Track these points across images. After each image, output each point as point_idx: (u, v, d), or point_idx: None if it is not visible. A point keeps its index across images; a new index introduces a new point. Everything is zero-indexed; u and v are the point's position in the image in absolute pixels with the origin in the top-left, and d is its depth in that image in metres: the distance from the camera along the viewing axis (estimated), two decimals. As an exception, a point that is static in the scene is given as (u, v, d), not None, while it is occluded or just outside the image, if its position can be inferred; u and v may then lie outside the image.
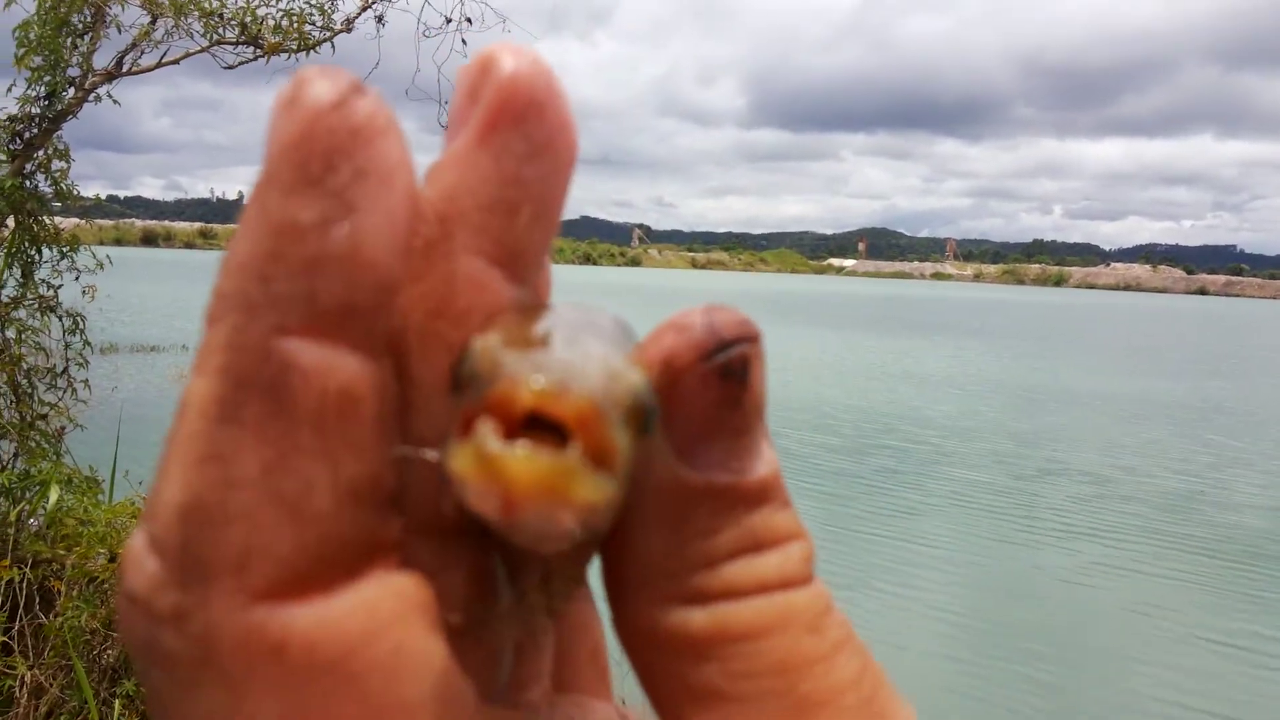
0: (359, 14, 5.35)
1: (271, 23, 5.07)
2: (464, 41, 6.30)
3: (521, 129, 0.28)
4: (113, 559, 4.20)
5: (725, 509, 0.29)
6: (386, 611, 0.25)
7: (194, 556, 0.24)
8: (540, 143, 0.28)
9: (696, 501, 0.29)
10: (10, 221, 5.01)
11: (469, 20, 6.35)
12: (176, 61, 5.06)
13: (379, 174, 0.25)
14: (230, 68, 5.14)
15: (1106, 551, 10.71)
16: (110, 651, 4.08)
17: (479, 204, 0.28)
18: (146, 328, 30.86)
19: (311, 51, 5.18)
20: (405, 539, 0.27)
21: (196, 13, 4.92)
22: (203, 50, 5.05)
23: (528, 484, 0.24)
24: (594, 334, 0.28)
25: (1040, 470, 14.63)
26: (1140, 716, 6.89)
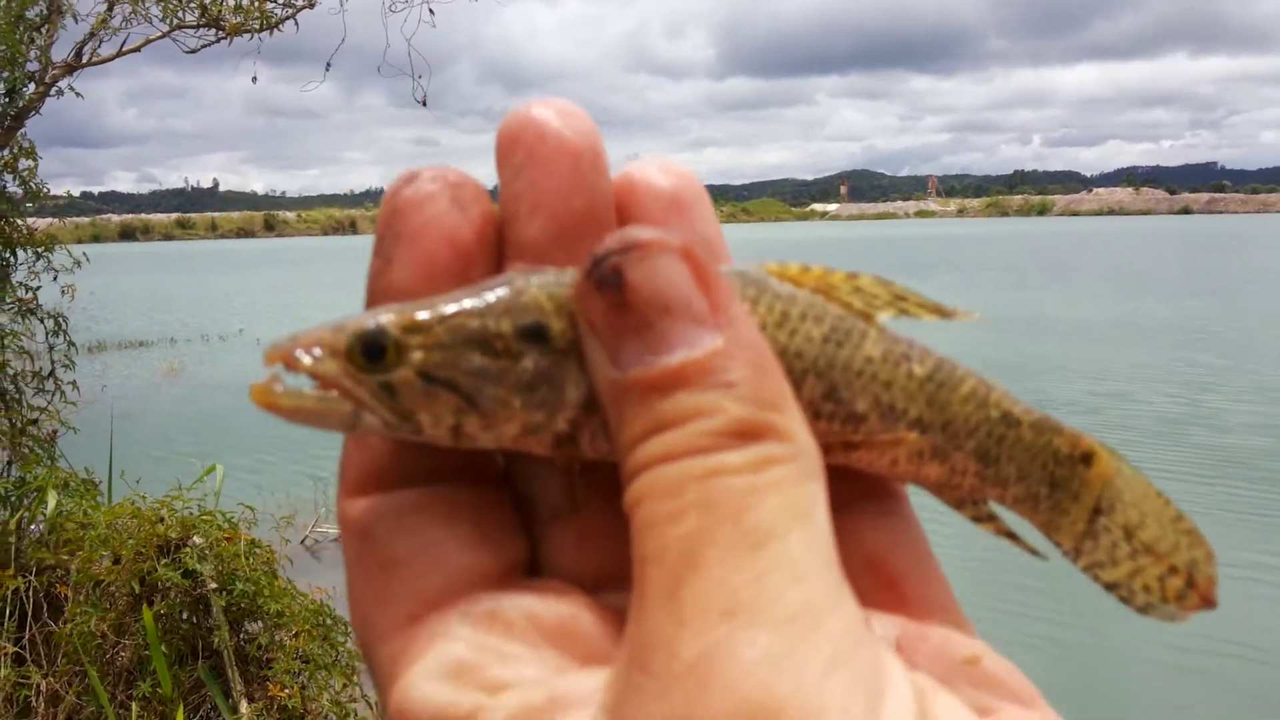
0: (321, -13, 5.21)
1: (232, 3, 4.95)
2: (431, 11, 6.17)
3: (506, 160, 0.42)
4: (117, 560, 4.15)
5: (639, 398, 0.35)
6: None
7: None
8: (520, 162, 0.42)
9: (621, 396, 0.36)
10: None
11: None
12: (137, 49, 4.92)
13: (409, 235, 0.41)
14: (192, 52, 5.01)
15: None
16: (123, 654, 4.04)
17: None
18: (133, 323, 30.66)
19: (275, 30, 5.05)
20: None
21: (153, -2, 4.79)
22: (163, 36, 4.91)
23: (251, 396, 0.40)
24: (412, 303, 0.40)
25: (1030, 403, 14.56)
26: (1139, 646, 6.93)
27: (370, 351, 0.39)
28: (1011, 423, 0.46)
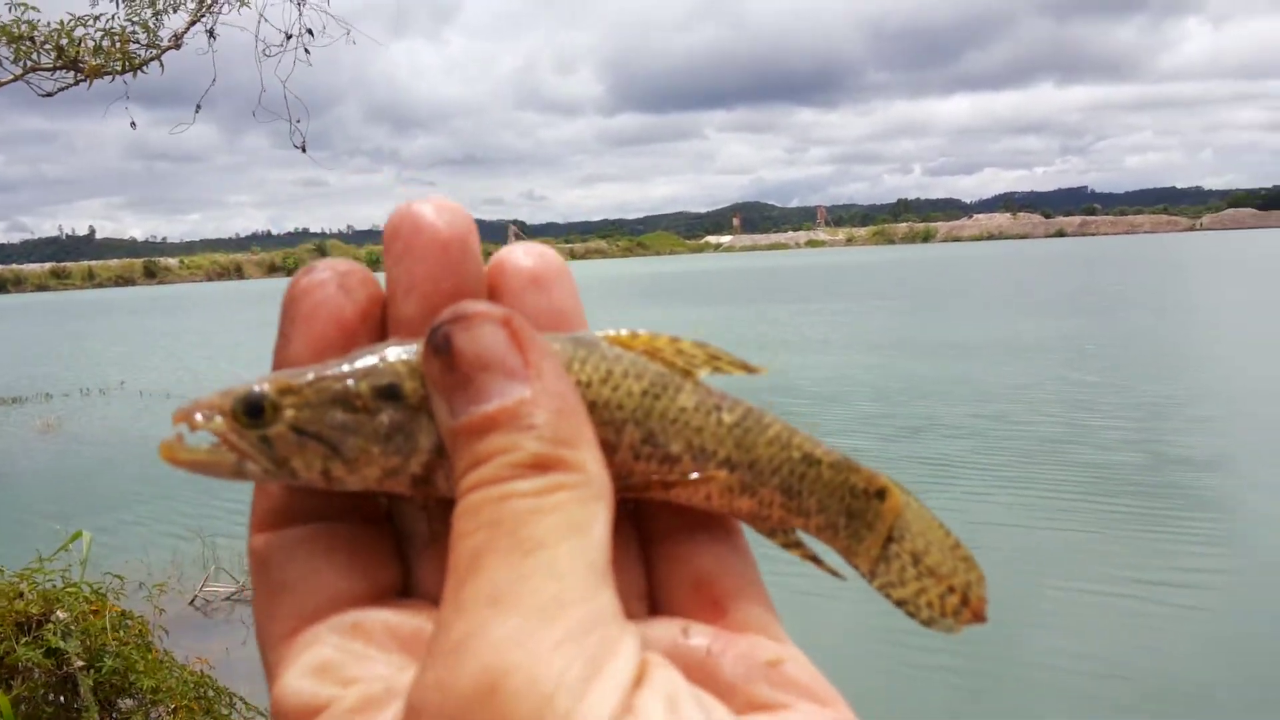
0: (187, 28, 4.98)
1: (91, 44, 4.70)
2: (307, 51, 6.01)
3: (389, 248, 0.51)
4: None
5: (465, 441, 0.43)
6: None
7: None
8: (398, 251, 0.50)
9: (453, 440, 0.44)
10: None
11: (310, 32, 6.07)
12: (-12, 93, 4.65)
13: (302, 317, 0.50)
14: (49, 94, 4.74)
15: (988, 508, 10.93)
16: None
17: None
18: (4, 378, 29.27)
19: (139, 72, 4.82)
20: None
21: (3, 39, 4.51)
22: (16, 79, 4.65)
23: (160, 452, 0.48)
24: (297, 370, 0.49)
25: (912, 428, 14.84)
26: (1032, 667, 7.06)
27: (250, 410, 0.48)
28: (812, 462, 0.53)
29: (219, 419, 0.48)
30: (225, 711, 4.06)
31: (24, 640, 3.74)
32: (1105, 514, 10.37)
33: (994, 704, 6.59)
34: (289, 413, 0.47)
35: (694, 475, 0.50)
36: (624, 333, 0.52)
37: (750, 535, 0.55)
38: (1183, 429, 14.34)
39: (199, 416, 0.48)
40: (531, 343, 0.45)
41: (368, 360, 0.48)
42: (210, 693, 4.04)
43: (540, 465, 0.42)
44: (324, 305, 0.50)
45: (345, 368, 0.48)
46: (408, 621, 0.46)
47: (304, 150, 6.36)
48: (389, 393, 0.47)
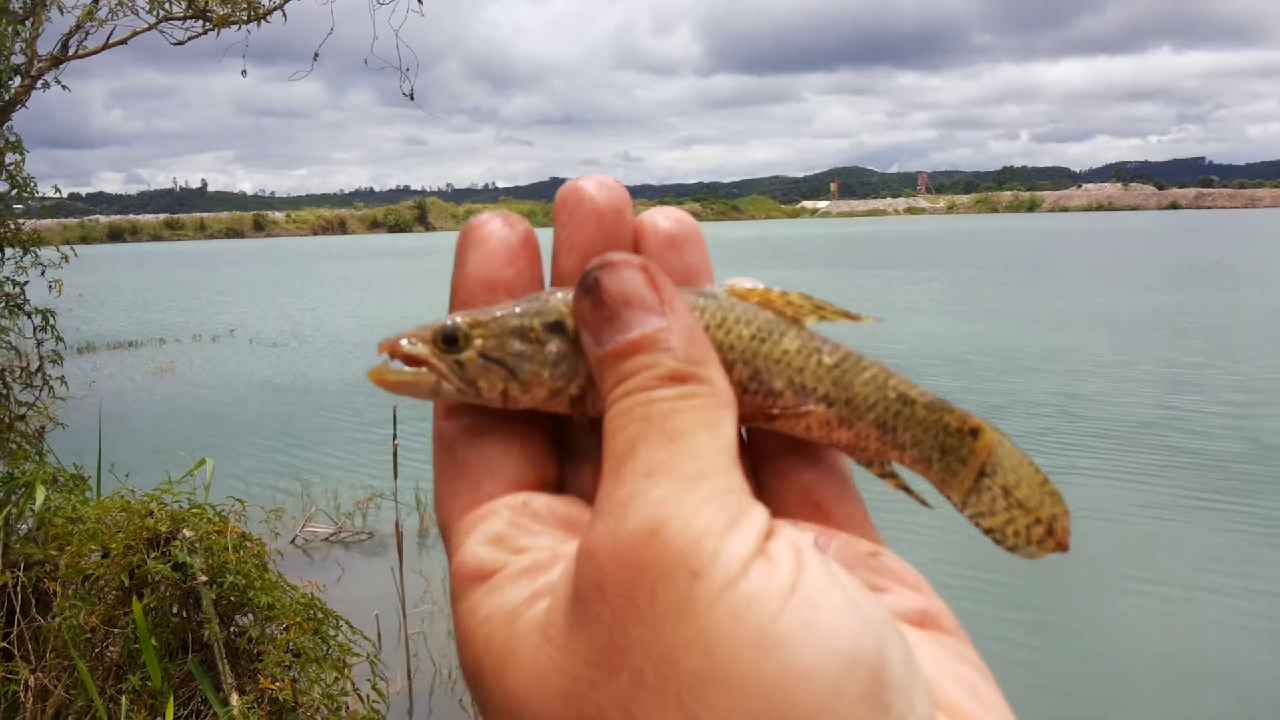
0: (308, -22, 5.17)
1: (218, -7, 4.90)
2: (420, 1, 6.13)
3: (557, 216, 0.61)
4: (106, 554, 4.13)
5: (611, 363, 0.52)
6: None
7: None
8: (564, 219, 0.61)
9: (601, 364, 0.53)
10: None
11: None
12: (124, 41, 4.88)
13: (475, 243, 0.60)
14: (180, 43, 4.96)
15: (1071, 494, 10.66)
16: (112, 649, 4.02)
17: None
18: (121, 323, 30.55)
19: (263, 21, 5.02)
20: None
21: (139, -12, 4.74)
22: (150, 28, 4.88)
23: (369, 376, 0.58)
24: (484, 310, 0.58)
25: (992, 405, 14.39)
26: (1117, 668, 6.92)
27: (448, 339, 0.58)
28: (907, 401, 0.60)
29: (422, 346, 0.58)
30: (332, 632, 4.26)
31: (154, 555, 4.00)
32: (1201, 507, 9.88)
33: (1076, 706, 6.42)
34: (478, 341, 0.57)
35: (796, 409, 0.59)
36: (741, 286, 0.61)
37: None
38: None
39: (405, 344, 0.58)
40: (665, 284, 0.53)
41: (536, 302, 0.58)
42: (319, 614, 4.25)
43: (677, 378, 0.50)
44: (494, 234, 0.60)
45: (520, 307, 0.58)
46: (567, 507, 0.55)
47: (412, 98, 6.51)
48: (556, 327, 0.57)
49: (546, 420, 0.61)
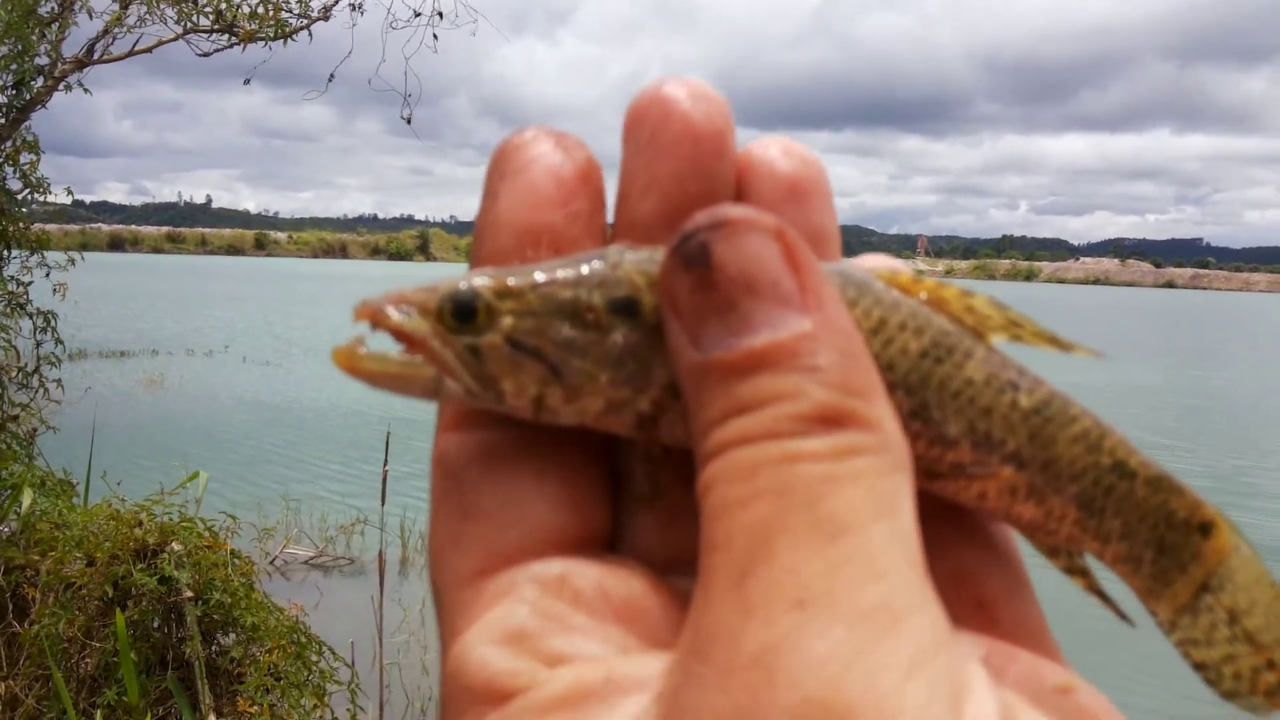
0: (336, 1, 5.20)
1: (247, 9, 4.92)
2: (435, 37, 6.18)
3: (630, 136, 0.42)
4: (90, 563, 4.05)
5: (718, 381, 0.34)
6: None
7: None
8: (642, 141, 0.41)
9: (700, 378, 0.35)
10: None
11: (440, 15, 6.24)
12: (149, 50, 4.89)
13: (514, 171, 0.41)
14: (205, 55, 4.97)
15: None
16: (90, 660, 3.93)
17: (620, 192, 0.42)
18: (115, 332, 30.45)
19: (288, 40, 5.03)
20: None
21: (169, -1, 4.76)
22: (177, 38, 4.88)
23: (335, 359, 0.39)
24: (514, 268, 0.40)
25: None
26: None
27: (461, 312, 0.39)
28: (1125, 473, 0.43)
29: (418, 318, 0.39)
30: (315, 658, 4.19)
31: (140, 566, 3.93)
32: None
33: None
34: (507, 320, 0.39)
35: (975, 467, 0.41)
36: (904, 274, 0.43)
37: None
38: (1264, 509, 13.35)
39: (393, 312, 0.39)
40: (810, 264, 0.35)
41: (598, 265, 0.39)
42: (302, 638, 4.18)
43: (829, 419, 0.33)
44: (541, 160, 0.41)
45: (572, 272, 0.39)
46: (625, 584, 0.37)
47: (409, 122, 6.53)
48: (625, 307, 0.39)
49: (598, 444, 0.42)
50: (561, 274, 0.39)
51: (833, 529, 0.31)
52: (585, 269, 0.39)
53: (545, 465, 0.40)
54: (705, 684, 0.30)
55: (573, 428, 0.40)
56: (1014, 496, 0.42)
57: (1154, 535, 0.43)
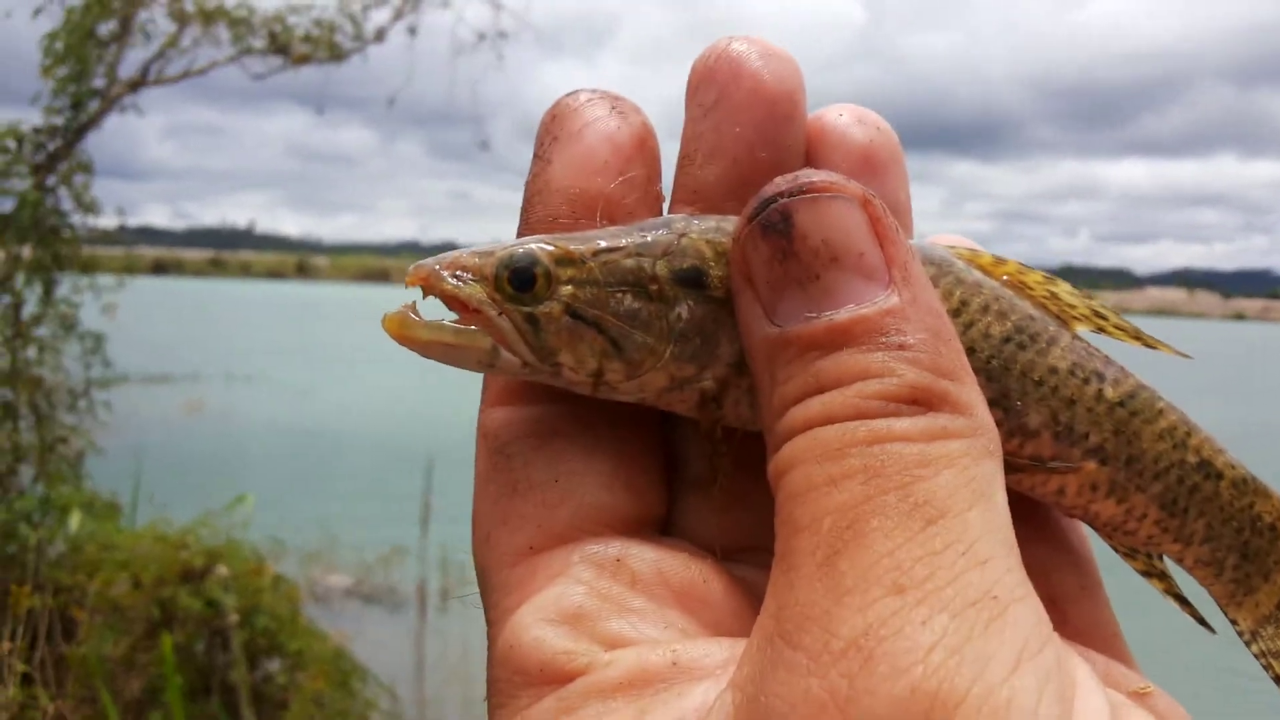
0: (392, 23, 5.21)
1: (301, 32, 4.94)
2: (500, 57, 6.22)
3: (695, 97, 0.38)
4: (137, 585, 4.02)
5: (797, 356, 0.32)
6: None
7: None
8: (709, 102, 0.37)
9: (775, 353, 0.32)
10: (28, 242, 4.90)
11: (503, 35, 6.28)
12: (203, 71, 4.92)
13: (568, 136, 0.39)
14: (259, 77, 4.98)
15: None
16: (135, 682, 3.89)
17: (681, 156, 0.40)
18: (158, 357, 30.88)
19: (341, 62, 5.05)
20: None
21: (224, 21, 4.79)
22: (230, 60, 4.91)
23: (386, 327, 0.37)
24: (577, 234, 0.38)
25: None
26: None
27: (519, 280, 0.36)
28: (1210, 473, 0.40)
29: (475, 285, 0.37)
30: (359, 685, 4.14)
31: (186, 589, 3.89)
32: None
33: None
34: (566, 289, 0.37)
35: (1055, 460, 0.39)
36: (985, 255, 0.40)
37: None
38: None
39: (449, 277, 0.37)
40: (897, 236, 0.33)
41: (662, 234, 0.37)
42: (347, 666, 4.13)
43: (919, 400, 0.31)
44: (596, 123, 0.39)
45: (635, 240, 0.37)
46: (682, 568, 0.35)
47: (485, 146, 6.58)
48: (692, 279, 0.37)
49: (653, 423, 0.40)
50: (625, 241, 0.37)
51: (930, 513, 0.29)
52: (649, 237, 0.37)
53: (597, 442, 0.37)
54: (796, 669, 0.28)
55: (629, 405, 0.38)
56: (1094, 493, 0.39)
57: (1238, 539, 0.40)
